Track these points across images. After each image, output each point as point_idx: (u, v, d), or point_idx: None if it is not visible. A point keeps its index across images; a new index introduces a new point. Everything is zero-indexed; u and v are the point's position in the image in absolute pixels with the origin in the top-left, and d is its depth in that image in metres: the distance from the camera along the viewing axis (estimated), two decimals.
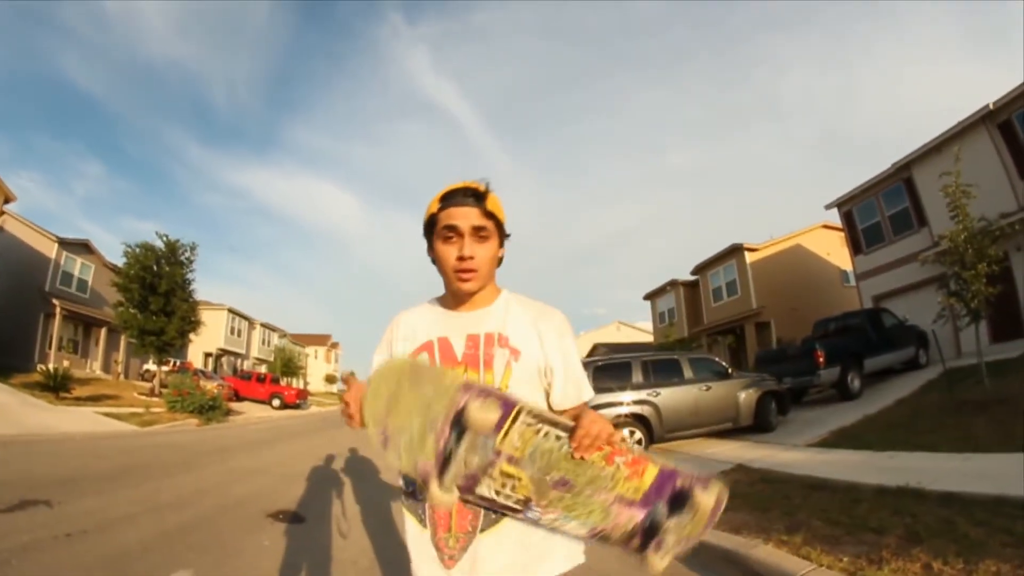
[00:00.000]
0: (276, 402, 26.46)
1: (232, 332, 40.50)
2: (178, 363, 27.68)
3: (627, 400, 8.56)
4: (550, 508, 1.13)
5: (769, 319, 22.72)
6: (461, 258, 1.26)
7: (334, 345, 68.88)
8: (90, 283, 26.43)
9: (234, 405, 22.53)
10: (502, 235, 1.34)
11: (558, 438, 1.09)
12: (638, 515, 1.12)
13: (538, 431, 1.06)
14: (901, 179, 17.00)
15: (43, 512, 4.95)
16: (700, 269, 26.93)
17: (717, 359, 10.52)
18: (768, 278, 23.12)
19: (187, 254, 21.54)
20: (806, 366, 11.44)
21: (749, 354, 21.81)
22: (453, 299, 1.38)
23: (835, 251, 23.51)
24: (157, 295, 19.93)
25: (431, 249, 1.34)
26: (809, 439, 7.81)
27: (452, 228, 1.26)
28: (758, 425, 9.31)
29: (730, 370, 9.86)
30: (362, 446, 9.84)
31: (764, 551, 3.26)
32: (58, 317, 22.89)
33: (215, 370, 35.12)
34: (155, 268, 20.28)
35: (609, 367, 9.19)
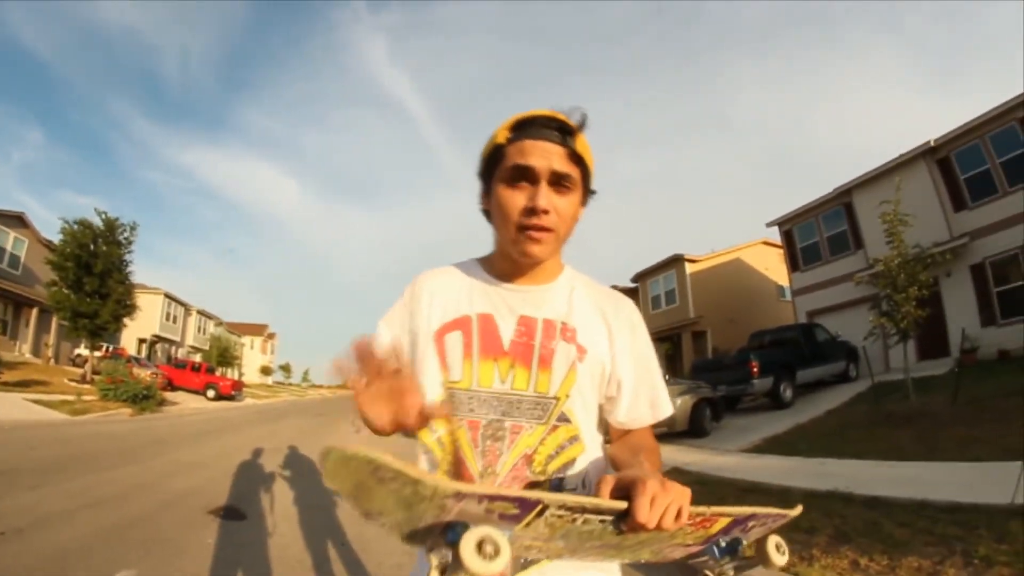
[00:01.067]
0: (211, 393, 25.46)
1: (168, 318, 38.81)
2: (111, 349, 26.38)
3: None
4: (588, 559, 0.89)
5: (706, 329, 23.56)
6: (533, 209, 0.92)
7: (271, 336, 67.14)
8: (23, 259, 24.76)
9: (168, 395, 21.66)
10: (587, 190, 1.01)
11: (602, 521, 0.73)
12: (693, 550, 0.86)
13: (573, 520, 0.71)
14: (841, 203, 17.97)
15: None
16: (640, 277, 27.60)
17: None
18: (707, 289, 23.92)
19: (126, 234, 20.58)
20: (741, 375, 11.94)
21: (685, 362, 22.49)
22: (506, 265, 1.04)
23: (773, 267, 24.55)
24: (92, 276, 18.92)
25: (487, 195, 1.02)
26: (742, 445, 8.18)
27: (525, 169, 0.93)
28: (693, 430, 9.67)
29: (667, 377, 10.17)
30: (301, 443, 9.72)
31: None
32: None
33: (149, 357, 33.61)
34: (92, 247, 19.25)
35: None
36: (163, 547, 4.10)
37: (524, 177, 0.93)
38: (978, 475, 4.57)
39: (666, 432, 9.48)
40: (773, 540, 0.83)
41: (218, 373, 31.21)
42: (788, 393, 11.97)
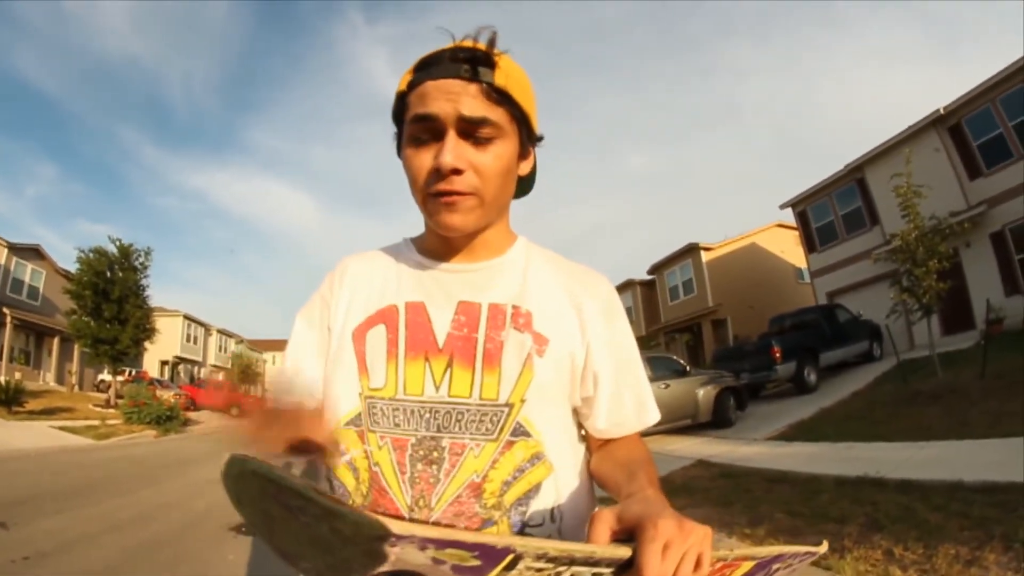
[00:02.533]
0: (234, 410, 25.65)
1: (188, 339, 39.31)
2: (133, 372, 26.77)
3: None
4: None
5: (726, 317, 23.27)
6: (438, 171, 0.71)
7: None
8: (41, 290, 25.25)
9: (192, 415, 21.90)
10: (524, 135, 0.78)
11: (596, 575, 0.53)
12: None
13: (557, 575, 0.50)
14: (854, 179, 17.61)
15: None
16: (656, 269, 27.34)
17: (675, 357, 10.73)
18: (724, 277, 23.61)
19: (141, 259, 20.89)
20: (763, 362, 11.73)
21: (707, 351, 22.25)
22: (437, 242, 0.84)
23: (789, 249, 24.13)
24: (110, 302, 19.25)
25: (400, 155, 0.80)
26: (768, 433, 8.03)
27: (425, 119, 0.72)
28: (717, 421, 9.51)
29: (688, 368, 10.07)
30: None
31: (727, 545, 3.34)
32: (9, 326, 21.81)
33: (172, 379, 34.07)
34: (108, 274, 19.58)
35: None
36: (186, 567, 4.10)
37: (427, 128, 0.72)
38: (1012, 452, 4.40)
39: (690, 424, 9.39)
40: None
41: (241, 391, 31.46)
42: (812, 377, 11.74)
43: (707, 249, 24.17)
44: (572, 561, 0.48)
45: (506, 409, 0.74)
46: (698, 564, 0.50)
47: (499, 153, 0.74)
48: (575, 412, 0.84)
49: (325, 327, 0.85)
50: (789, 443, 7.09)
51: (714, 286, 23.51)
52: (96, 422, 15.46)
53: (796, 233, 21.43)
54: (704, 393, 9.51)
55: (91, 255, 19.26)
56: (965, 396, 7.17)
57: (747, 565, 0.62)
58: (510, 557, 0.46)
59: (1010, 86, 13.27)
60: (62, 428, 13.95)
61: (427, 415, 0.74)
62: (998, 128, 13.65)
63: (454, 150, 0.70)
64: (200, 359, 41.62)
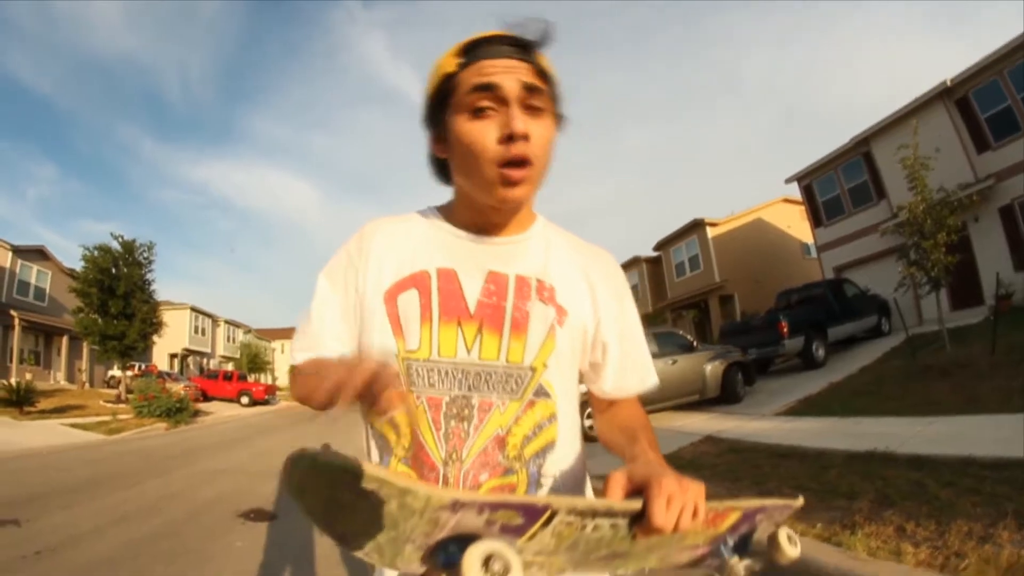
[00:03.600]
0: (245, 399, 25.83)
1: (196, 331, 39.52)
2: (142, 367, 26.97)
3: None
4: (592, 571, 0.75)
5: (732, 292, 23.14)
6: (512, 136, 0.73)
7: None
8: (48, 291, 25.48)
9: (202, 405, 22.06)
10: (558, 113, 0.82)
11: (614, 526, 0.65)
12: (701, 552, 0.78)
13: (583, 527, 0.62)
14: (860, 153, 17.39)
15: (11, 532, 4.79)
16: (662, 245, 27.20)
17: (681, 332, 10.63)
18: (730, 252, 23.46)
19: (145, 254, 20.93)
20: (771, 337, 11.63)
21: (714, 327, 22.15)
22: (470, 215, 0.87)
23: (795, 224, 23.97)
24: (116, 298, 19.33)
25: (439, 139, 0.83)
26: (776, 408, 7.98)
27: (489, 88, 0.74)
28: (725, 396, 9.45)
29: (695, 343, 9.98)
30: (333, 439, 9.76)
31: None
32: (17, 328, 22.06)
33: (181, 371, 34.33)
34: (113, 271, 19.65)
35: None
36: (189, 555, 4.13)
37: (490, 101, 0.75)
38: (1022, 428, 4.32)
39: (698, 400, 9.35)
40: (784, 532, 0.76)
41: (251, 379, 31.66)
42: (820, 352, 11.63)
43: (713, 225, 23.97)
44: (595, 514, 0.61)
45: (530, 372, 0.82)
46: (695, 513, 0.62)
47: (549, 125, 0.78)
48: (581, 375, 0.93)
49: (351, 288, 0.87)
50: (798, 418, 7.04)
51: (720, 262, 23.35)
52: (107, 418, 15.59)
53: (802, 208, 21.25)
54: (712, 368, 9.45)
55: (95, 252, 19.31)
56: (975, 371, 7.08)
57: (734, 515, 0.73)
58: (548, 513, 0.58)
59: (1018, 58, 12.97)
60: (73, 425, 14.06)
61: (459, 376, 0.81)
62: (1006, 101, 13.38)
63: (523, 120, 0.74)
64: (209, 350, 41.88)
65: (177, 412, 16.56)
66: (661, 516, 0.60)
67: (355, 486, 0.53)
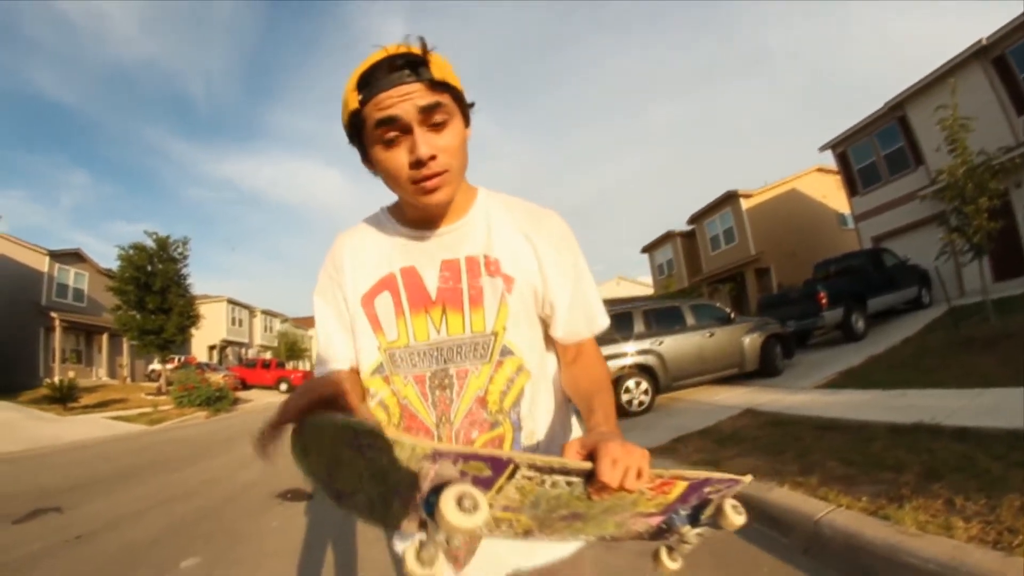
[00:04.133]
0: (284, 386, 26.31)
1: (233, 322, 40.38)
2: (182, 359, 27.71)
3: (630, 351, 8.36)
4: (556, 534, 0.87)
5: (768, 265, 22.63)
6: (419, 162, 0.85)
7: None
8: (86, 291, 26.38)
9: (241, 394, 22.56)
10: (464, 108, 0.93)
11: (570, 484, 0.74)
12: (655, 520, 0.88)
13: (542, 482, 0.72)
14: (895, 118, 16.74)
15: (54, 518, 4.96)
16: (696, 218, 26.69)
17: (718, 305, 10.34)
18: (765, 224, 22.92)
19: (179, 249, 21.39)
20: (809, 308, 11.30)
21: (751, 301, 21.77)
22: (415, 213, 0.99)
23: (831, 194, 23.26)
24: (153, 293, 19.84)
25: (367, 160, 0.94)
26: (816, 381, 7.73)
27: (390, 122, 0.84)
28: (764, 369, 9.22)
29: (732, 315, 9.74)
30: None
31: (780, 494, 3.19)
32: (58, 330, 22.87)
33: (220, 362, 35.15)
34: (148, 268, 20.14)
35: (611, 317, 8.95)
36: (228, 535, 4.21)
37: (394, 130, 0.85)
38: None
39: (736, 374, 9.17)
40: (729, 502, 0.82)
41: (288, 367, 32.24)
42: (860, 324, 11.24)
43: (746, 196, 23.39)
44: (552, 470, 0.70)
45: (492, 337, 0.96)
46: (639, 474, 0.70)
47: (454, 131, 0.89)
48: (543, 325, 1.04)
49: (339, 299, 1.03)
50: (839, 391, 6.81)
51: (755, 234, 22.83)
52: (148, 409, 16.09)
53: (837, 177, 20.55)
54: (750, 341, 9.20)
55: (131, 251, 19.79)
56: (1021, 342, 6.74)
57: (681, 485, 0.79)
58: (511, 467, 0.68)
59: None
60: (115, 418, 14.54)
61: (435, 353, 0.96)
62: None
63: (426, 141, 0.85)
64: (247, 341, 42.74)
65: (217, 401, 16.97)
66: (607, 473, 0.69)
67: (356, 442, 0.68)
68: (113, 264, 20.66)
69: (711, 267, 25.66)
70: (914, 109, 15.59)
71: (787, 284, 19.09)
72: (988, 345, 7.16)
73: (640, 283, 44.28)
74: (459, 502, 0.64)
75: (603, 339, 8.09)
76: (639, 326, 8.75)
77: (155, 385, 22.79)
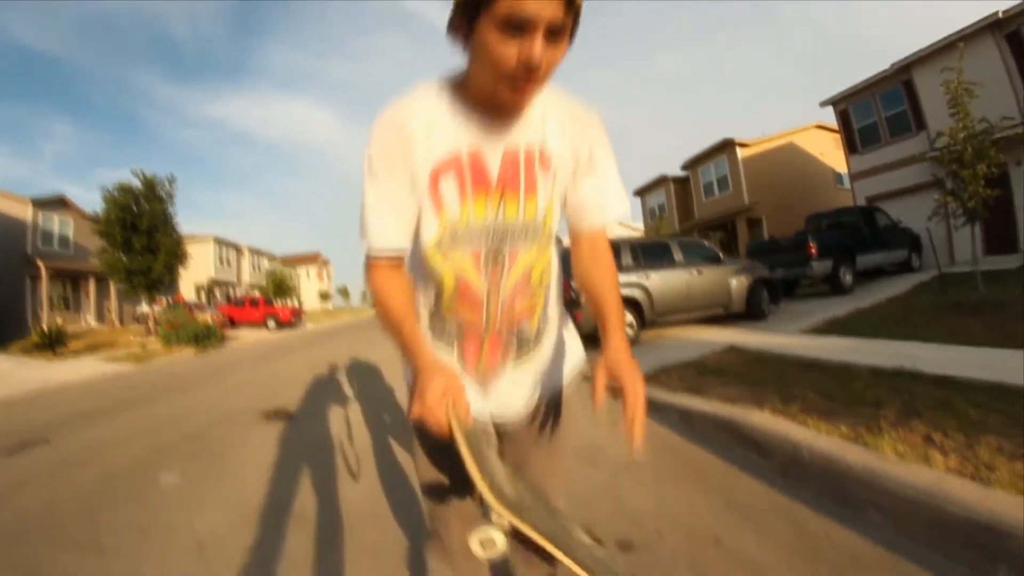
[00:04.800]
0: (272, 323, 26.24)
1: (221, 262, 40.02)
2: (170, 299, 27.53)
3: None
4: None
5: (761, 216, 22.64)
6: (528, 66, 0.89)
7: (325, 262, 67.25)
8: (71, 237, 26.22)
9: (229, 332, 22.50)
10: (575, 31, 0.97)
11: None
12: None
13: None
14: (900, 81, 16.55)
15: (41, 449, 4.99)
16: (691, 164, 26.46)
17: (707, 243, 10.28)
18: (760, 175, 22.78)
19: (166, 188, 20.94)
20: (798, 257, 11.35)
21: (740, 249, 21.73)
22: (485, 96, 1.00)
23: (829, 152, 23.14)
24: (139, 233, 19.49)
25: (463, 29, 0.95)
26: (801, 327, 7.79)
27: (523, 20, 0.86)
28: (750, 312, 9.31)
29: (721, 255, 9.74)
30: (357, 353, 10.18)
31: (760, 418, 3.21)
32: (44, 277, 22.82)
33: (208, 301, 34.90)
34: (135, 208, 19.75)
35: None
36: (209, 453, 4.30)
37: (520, 28, 0.87)
38: None
39: (722, 314, 9.26)
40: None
41: (277, 304, 31.99)
42: (848, 278, 11.32)
43: (743, 146, 23.12)
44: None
45: (542, 224, 1.13)
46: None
47: (562, 49, 0.94)
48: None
49: (399, 173, 1.04)
50: (823, 336, 6.85)
51: (750, 184, 22.69)
52: (138, 350, 16.01)
53: (836, 136, 20.39)
54: (737, 283, 9.24)
55: (116, 193, 19.40)
56: (1010, 311, 6.75)
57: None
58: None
59: None
60: (104, 359, 14.48)
61: (491, 233, 1.09)
62: None
63: (544, 52, 0.89)
64: (235, 280, 42.37)
65: (205, 338, 16.92)
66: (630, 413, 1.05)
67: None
68: (98, 207, 20.30)
69: (703, 214, 25.56)
70: (921, 74, 15.44)
71: (778, 235, 19.12)
72: (976, 310, 7.19)
73: (631, 228, 44.38)
74: (482, 545, 0.98)
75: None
76: (627, 259, 8.75)
77: (143, 328, 22.71)
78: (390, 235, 1.07)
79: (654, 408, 4.35)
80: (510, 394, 1.22)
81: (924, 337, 6.04)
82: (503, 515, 0.99)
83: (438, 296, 1.15)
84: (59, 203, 25.75)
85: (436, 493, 1.26)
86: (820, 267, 11.17)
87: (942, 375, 3.99)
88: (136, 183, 20.07)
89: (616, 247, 8.76)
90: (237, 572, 2.24)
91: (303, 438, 4.45)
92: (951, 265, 13.02)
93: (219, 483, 3.53)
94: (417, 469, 1.29)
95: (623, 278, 8.39)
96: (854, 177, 18.73)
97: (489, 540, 1.01)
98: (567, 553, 1.02)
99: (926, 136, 15.04)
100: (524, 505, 1.10)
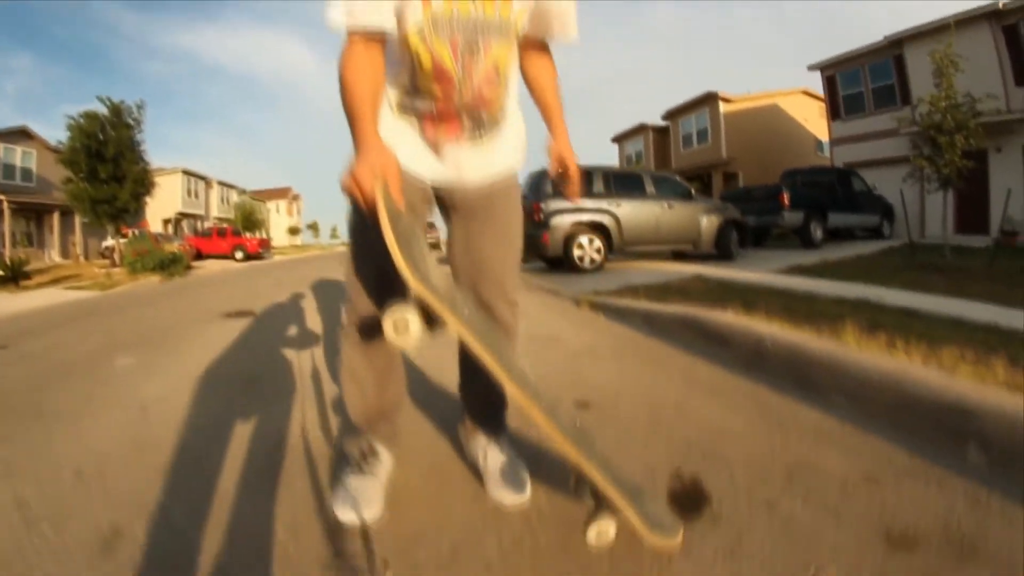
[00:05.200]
0: (239, 254, 25.54)
1: (189, 194, 38.49)
2: (136, 231, 26.70)
3: (587, 207, 8.38)
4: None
5: (738, 171, 22.76)
6: None
7: (295, 197, 65.90)
8: (35, 170, 25.15)
9: (196, 263, 21.95)
10: None
11: None
12: None
13: None
14: (891, 55, 16.61)
15: None
16: (672, 115, 26.34)
17: (679, 179, 10.32)
18: (741, 131, 22.78)
19: (134, 114, 20.00)
20: (770, 206, 11.44)
21: (713, 199, 22.05)
22: None
23: (813, 120, 23.23)
24: (105, 162, 18.59)
25: None
26: (769, 268, 7.90)
27: None
28: (719, 253, 9.39)
29: (693, 192, 9.74)
30: (323, 276, 10.21)
31: (725, 316, 3.24)
32: (7, 212, 22.02)
33: (175, 232, 33.84)
34: (100, 136, 18.83)
35: None
36: (166, 343, 4.30)
37: None
38: (1018, 314, 4.18)
39: (690, 251, 9.35)
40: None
41: (245, 236, 31.17)
42: (818, 233, 11.49)
43: (726, 101, 23.05)
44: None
45: (513, 23, 1.25)
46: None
47: None
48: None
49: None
50: (789, 276, 7.00)
51: (729, 139, 22.70)
52: (102, 280, 15.51)
53: (821, 105, 20.46)
54: (707, 221, 9.28)
55: (81, 120, 18.45)
56: (973, 274, 6.94)
57: None
58: None
59: None
60: (68, 289, 13.99)
61: (470, 25, 1.20)
62: None
63: None
64: (203, 213, 40.84)
65: (171, 264, 16.48)
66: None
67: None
68: (63, 136, 19.27)
69: (680, 164, 25.53)
70: (912, 50, 15.48)
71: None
72: (942, 271, 7.35)
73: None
74: (394, 326, 1.00)
75: (561, 194, 8.29)
76: (598, 186, 8.72)
77: (109, 261, 22.01)
78: (371, 11, 1.14)
79: (617, 313, 4.36)
80: (467, 165, 1.38)
81: (888, 285, 6.16)
82: (424, 296, 1.01)
83: (412, 77, 1.26)
84: (22, 135, 24.66)
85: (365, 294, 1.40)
86: (791, 218, 11.27)
87: (905, 308, 4.06)
88: (102, 109, 19.15)
89: (588, 174, 8.71)
90: (179, 426, 2.21)
91: (261, 327, 4.62)
92: (922, 238, 13.31)
93: (172, 360, 3.54)
94: (346, 276, 1.44)
95: (593, 203, 8.40)
96: (834, 142, 18.89)
97: (402, 321, 1.03)
98: (499, 362, 1.09)
99: (911, 112, 15.25)
100: (454, 300, 1.17)
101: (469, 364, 1.50)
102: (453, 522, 1.36)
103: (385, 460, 1.51)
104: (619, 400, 2.27)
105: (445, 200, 1.45)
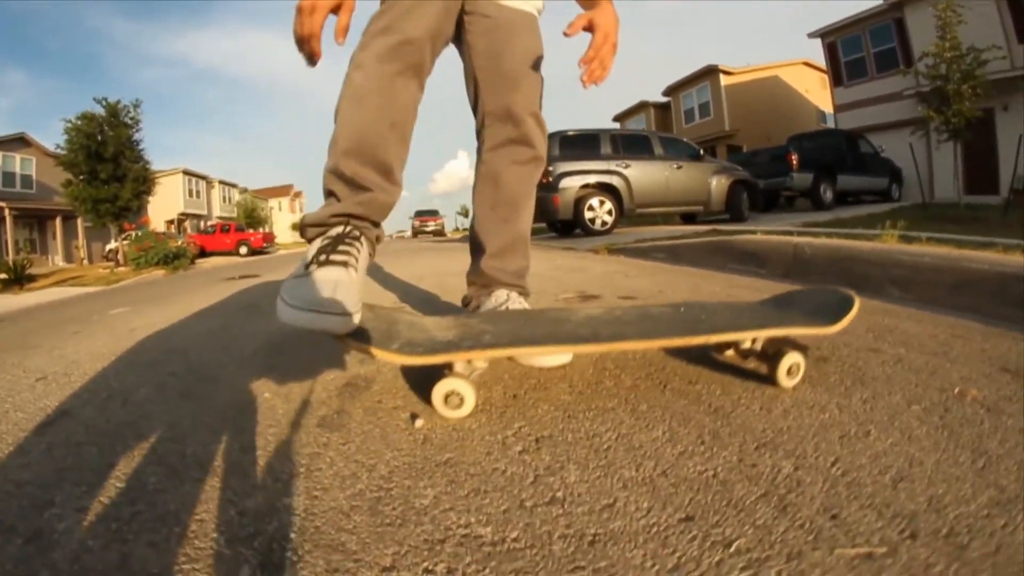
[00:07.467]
0: (243, 249, 25.38)
1: (191, 194, 38.44)
2: (139, 230, 26.60)
3: (596, 169, 8.29)
4: None
5: (742, 144, 22.57)
6: None
7: (297, 194, 65.45)
8: (34, 176, 25.26)
9: (200, 261, 21.91)
10: None
11: None
12: None
13: None
14: (892, 18, 16.40)
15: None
16: (673, 90, 26.19)
17: (687, 140, 10.18)
18: (743, 104, 22.65)
19: (131, 113, 19.91)
20: (779, 168, 11.24)
21: None
22: None
23: (814, 91, 23.07)
24: (105, 162, 18.56)
25: None
26: (783, 225, 7.88)
27: None
28: (730, 214, 9.26)
29: (702, 152, 9.61)
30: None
31: (756, 237, 3.24)
32: (8, 220, 22.09)
33: (178, 231, 33.73)
34: (99, 136, 18.77)
35: (577, 138, 8.63)
36: (168, 299, 4.34)
37: None
38: None
39: (701, 213, 9.31)
40: None
41: (249, 232, 31.02)
42: (828, 194, 11.30)
43: (727, 73, 22.91)
44: None
45: None
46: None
47: None
48: None
49: None
50: (805, 228, 6.99)
51: (732, 112, 22.57)
52: (108, 276, 15.49)
53: (823, 76, 20.29)
54: (717, 182, 9.15)
55: (79, 122, 18.36)
56: (987, 223, 6.94)
57: None
58: None
59: None
60: (73, 287, 13.97)
61: None
62: None
63: None
64: (205, 212, 40.71)
65: (175, 258, 16.44)
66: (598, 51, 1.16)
67: None
68: (60, 139, 19.14)
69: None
70: (913, 14, 15.28)
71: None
72: (958, 222, 7.35)
73: None
74: (446, 399, 0.92)
75: (569, 156, 7.92)
76: (606, 148, 8.60)
77: (113, 263, 21.95)
78: None
79: (639, 252, 4.29)
80: None
81: (909, 230, 6.11)
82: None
83: None
84: (20, 142, 24.74)
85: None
86: (800, 179, 11.08)
87: (931, 236, 4.00)
88: (99, 110, 19.07)
89: (595, 136, 8.62)
90: (169, 337, 2.17)
91: (266, 284, 4.69)
92: (932, 199, 13.14)
93: (173, 304, 3.55)
94: None
95: (602, 165, 8.29)
96: (838, 109, 18.67)
97: (455, 396, 0.95)
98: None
99: (913, 75, 15.11)
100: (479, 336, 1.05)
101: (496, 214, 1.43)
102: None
103: (363, 251, 1.16)
104: (662, 294, 2.19)
105: (466, 23, 1.33)
